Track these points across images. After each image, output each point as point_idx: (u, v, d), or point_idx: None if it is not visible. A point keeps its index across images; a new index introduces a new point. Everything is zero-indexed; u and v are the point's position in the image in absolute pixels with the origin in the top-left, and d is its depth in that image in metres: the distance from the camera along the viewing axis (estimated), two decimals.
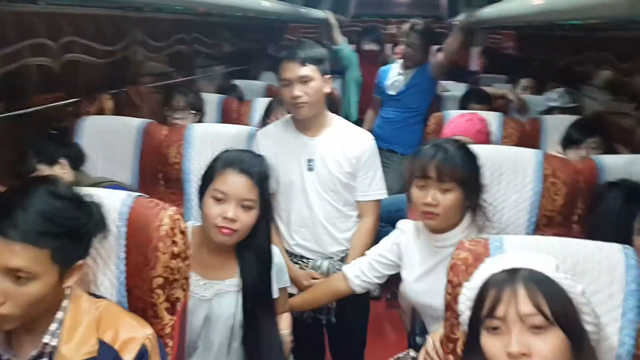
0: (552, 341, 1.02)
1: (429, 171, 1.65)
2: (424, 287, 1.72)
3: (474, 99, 3.60)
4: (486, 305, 1.07)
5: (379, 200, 2.15)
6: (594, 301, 1.14)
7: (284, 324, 1.84)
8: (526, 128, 2.97)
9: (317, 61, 1.97)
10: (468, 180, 1.67)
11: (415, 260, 1.77)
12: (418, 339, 1.93)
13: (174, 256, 1.30)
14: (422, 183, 1.68)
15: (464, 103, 3.61)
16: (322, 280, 2.04)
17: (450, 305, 1.26)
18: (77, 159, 2.20)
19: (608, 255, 1.19)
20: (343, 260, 2.09)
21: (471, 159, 1.72)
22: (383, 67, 4.04)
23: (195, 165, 2.28)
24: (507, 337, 1.03)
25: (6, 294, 1.06)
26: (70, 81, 2.48)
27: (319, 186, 2.03)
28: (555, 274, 1.07)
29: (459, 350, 1.25)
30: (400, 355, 1.88)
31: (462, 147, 1.73)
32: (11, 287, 1.06)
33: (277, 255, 1.79)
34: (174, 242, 1.30)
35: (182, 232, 1.33)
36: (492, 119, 2.93)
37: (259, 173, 1.67)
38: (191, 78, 4.06)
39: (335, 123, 2.11)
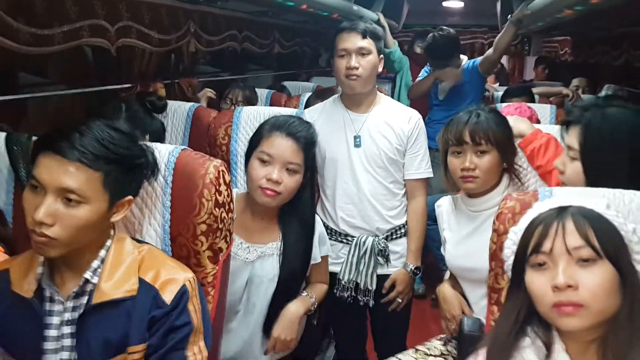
0: (600, 274, 0.97)
1: (464, 136, 1.67)
2: (463, 252, 1.71)
3: (513, 94, 3.52)
4: (532, 241, 1.02)
5: (427, 180, 2.13)
6: None
7: (317, 291, 1.83)
8: None
9: (376, 37, 1.97)
10: (502, 141, 1.67)
11: (454, 227, 1.78)
12: None
13: (218, 205, 1.32)
14: (458, 149, 1.70)
15: (504, 99, 3.55)
16: None
17: (496, 254, 1.22)
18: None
19: None
20: (387, 238, 2.07)
21: (503, 122, 1.72)
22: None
23: (242, 147, 2.30)
24: (554, 272, 0.99)
25: (56, 216, 1.08)
26: (125, 66, 2.57)
27: (366, 162, 2.02)
28: (606, 211, 1.02)
29: (502, 300, 1.20)
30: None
31: (493, 110, 1.74)
32: (62, 210, 1.09)
33: (319, 224, 1.81)
34: (219, 192, 1.32)
35: (227, 184, 1.35)
36: (545, 111, 2.86)
37: (305, 138, 1.69)
38: (243, 77, 4.14)
39: (384, 101, 2.10)
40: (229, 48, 3.42)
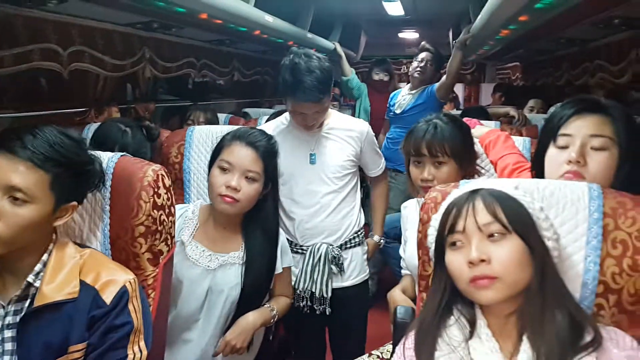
0: (510, 248, 1.04)
1: (422, 148, 1.72)
2: None
3: (471, 114, 3.65)
4: (448, 223, 1.10)
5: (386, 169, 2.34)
6: (561, 232, 1.17)
7: (280, 305, 1.85)
8: (523, 134, 3.00)
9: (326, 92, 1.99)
10: (459, 151, 1.72)
11: (416, 227, 1.81)
12: None
13: (157, 207, 1.35)
14: (417, 159, 1.75)
15: (462, 117, 3.68)
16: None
17: (422, 242, 1.28)
18: None
19: (573, 189, 1.21)
20: (342, 247, 2.13)
21: (461, 131, 1.77)
22: (394, 92, 4.13)
23: (195, 165, 2.34)
24: (469, 249, 1.06)
25: (1, 214, 1.11)
26: (79, 90, 2.60)
27: (324, 175, 2.10)
28: (514, 191, 1.10)
29: None
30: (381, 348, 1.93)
31: (452, 120, 1.78)
32: (7, 207, 1.12)
33: (282, 235, 1.86)
34: (157, 194, 1.36)
35: (167, 188, 1.39)
36: (490, 126, 2.98)
37: (264, 147, 1.75)
38: (205, 103, 4.21)
39: (333, 116, 2.18)
40: (187, 75, 3.48)
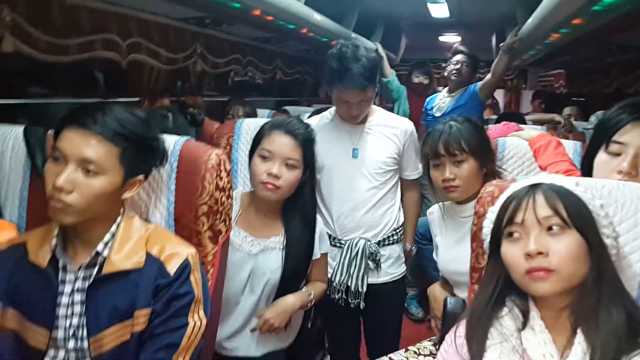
0: (569, 242, 1.05)
1: (439, 149, 1.76)
2: (453, 256, 1.79)
3: (507, 119, 3.64)
4: (507, 214, 1.11)
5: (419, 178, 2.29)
6: (619, 230, 1.16)
7: (316, 289, 1.90)
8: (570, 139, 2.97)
9: (372, 80, 2.03)
10: (477, 148, 1.75)
11: (444, 233, 1.87)
12: None
13: (219, 188, 1.41)
14: (437, 162, 1.79)
15: (498, 122, 3.66)
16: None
17: (476, 235, 1.29)
18: None
19: (632, 188, 1.21)
20: (379, 243, 2.15)
21: (476, 130, 1.80)
22: (431, 96, 4.14)
23: (242, 156, 2.41)
24: (526, 241, 1.07)
25: (75, 184, 1.19)
26: (134, 81, 2.70)
27: (365, 171, 2.13)
28: (575, 187, 1.11)
29: None
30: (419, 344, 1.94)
31: (466, 120, 1.82)
32: (81, 178, 1.20)
33: (320, 222, 1.91)
34: (219, 177, 1.42)
35: (227, 172, 1.45)
36: (536, 129, 2.96)
37: (302, 135, 1.80)
38: (246, 100, 4.29)
39: (378, 113, 2.22)
40: (229, 73, 3.56)
